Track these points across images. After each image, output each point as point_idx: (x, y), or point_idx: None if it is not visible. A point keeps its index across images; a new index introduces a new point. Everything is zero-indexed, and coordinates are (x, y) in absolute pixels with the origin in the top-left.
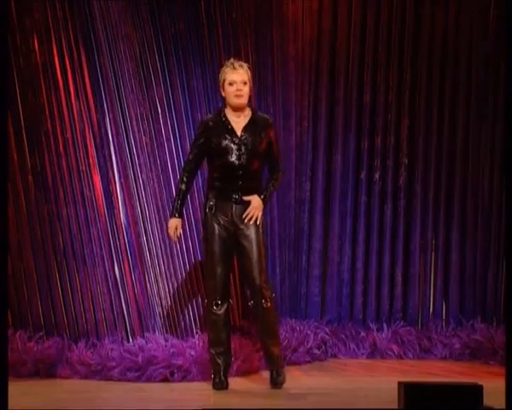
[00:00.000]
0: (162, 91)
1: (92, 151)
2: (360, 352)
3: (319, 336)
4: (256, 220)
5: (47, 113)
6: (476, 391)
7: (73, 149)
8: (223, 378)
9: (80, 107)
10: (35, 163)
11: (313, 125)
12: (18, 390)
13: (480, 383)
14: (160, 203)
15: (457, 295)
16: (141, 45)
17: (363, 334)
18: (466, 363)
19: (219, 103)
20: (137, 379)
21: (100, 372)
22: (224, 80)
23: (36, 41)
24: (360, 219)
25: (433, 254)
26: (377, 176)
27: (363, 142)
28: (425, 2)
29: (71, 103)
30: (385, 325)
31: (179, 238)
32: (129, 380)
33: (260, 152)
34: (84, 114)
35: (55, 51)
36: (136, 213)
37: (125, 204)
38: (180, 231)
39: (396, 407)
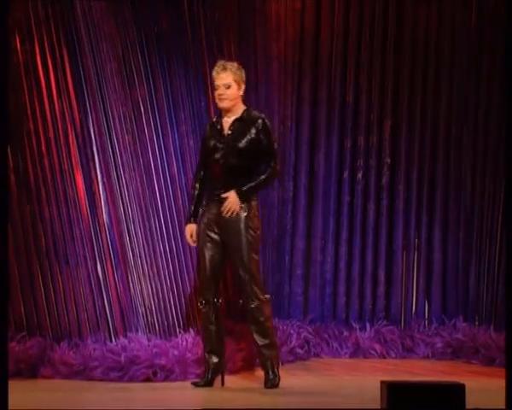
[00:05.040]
0: (145, 91)
1: (75, 151)
2: (343, 351)
3: (302, 335)
4: (241, 219)
5: (29, 112)
6: (458, 390)
7: (56, 149)
8: (207, 377)
9: (63, 106)
10: (17, 163)
11: (296, 124)
12: None
13: (462, 382)
14: (142, 203)
15: (440, 295)
16: (123, 45)
17: (345, 333)
18: (448, 362)
19: (202, 103)
20: (120, 379)
21: (82, 372)
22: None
23: (17, 40)
24: (343, 218)
25: (415, 253)
26: (360, 176)
27: (346, 141)
28: (407, 2)
29: (53, 103)
30: (368, 325)
31: (195, 242)
32: (111, 380)
33: (246, 150)
34: (66, 114)
35: (36, 50)
36: (119, 212)
37: (108, 204)
38: (195, 236)
39: (379, 406)
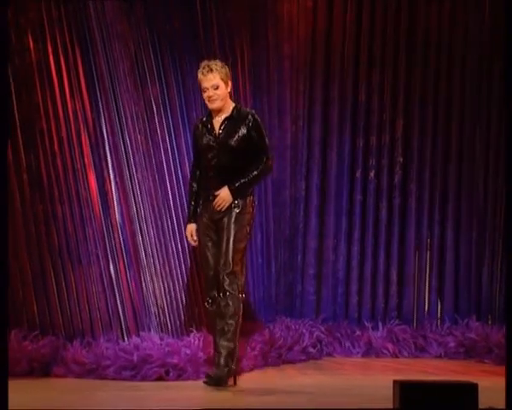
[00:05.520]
0: (157, 90)
1: (87, 150)
2: (355, 350)
3: (314, 334)
4: (232, 215)
5: (42, 112)
6: (471, 390)
7: (68, 149)
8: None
9: (75, 106)
10: (30, 162)
11: (308, 124)
12: (12, 389)
13: (474, 381)
14: (155, 202)
15: (452, 294)
16: (136, 44)
17: (358, 332)
18: (461, 361)
19: None
20: (132, 378)
21: (95, 371)
22: (200, 85)
23: (31, 39)
24: (355, 217)
25: (428, 252)
26: (372, 175)
27: (358, 141)
28: (420, 1)
29: (66, 102)
30: (380, 324)
31: (196, 242)
32: (124, 379)
33: (237, 148)
34: (79, 113)
35: (49, 50)
36: (132, 212)
37: (121, 203)
38: (195, 236)
39: (391, 405)
